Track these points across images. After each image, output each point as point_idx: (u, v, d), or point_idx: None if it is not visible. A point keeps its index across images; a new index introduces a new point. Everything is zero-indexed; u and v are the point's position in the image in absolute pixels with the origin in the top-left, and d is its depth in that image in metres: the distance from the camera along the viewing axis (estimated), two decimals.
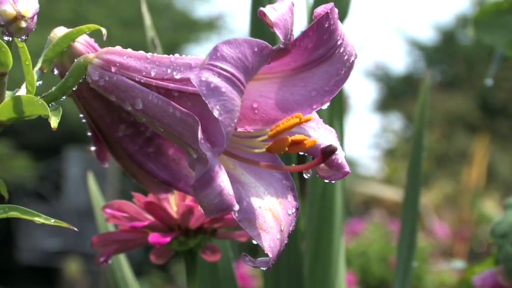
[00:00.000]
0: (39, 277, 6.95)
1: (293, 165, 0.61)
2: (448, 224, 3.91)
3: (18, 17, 0.56)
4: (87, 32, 0.60)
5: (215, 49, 0.52)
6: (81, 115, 0.66)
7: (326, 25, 0.58)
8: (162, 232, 0.74)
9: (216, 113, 0.51)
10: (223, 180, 0.52)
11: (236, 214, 0.55)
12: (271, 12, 0.55)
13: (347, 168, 0.61)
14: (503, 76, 7.71)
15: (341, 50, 0.59)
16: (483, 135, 4.13)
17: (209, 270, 0.95)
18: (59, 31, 0.61)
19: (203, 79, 0.51)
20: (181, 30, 7.86)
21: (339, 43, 0.59)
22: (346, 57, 0.60)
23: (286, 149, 0.58)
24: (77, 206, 6.48)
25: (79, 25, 0.60)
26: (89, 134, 0.67)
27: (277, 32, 0.55)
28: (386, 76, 9.87)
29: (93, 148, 0.68)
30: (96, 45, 0.63)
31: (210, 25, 8.34)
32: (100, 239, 0.74)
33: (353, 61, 0.60)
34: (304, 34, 0.58)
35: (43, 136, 7.05)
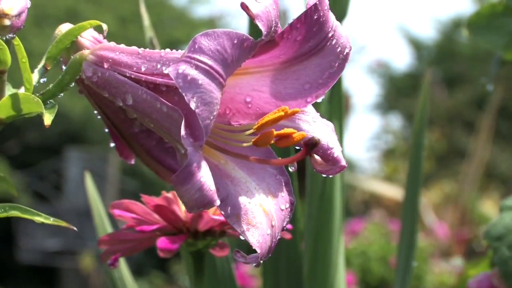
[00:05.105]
0: (39, 277, 6.95)
1: (279, 158, 0.60)
2: (448, 224, 3.91)
3: (1, 15, 0.56)
4: (90, 28, 0.60)
5: (193, 41, 0.52)
6: (95, 112, 0.65)
7: (315, 17, 0.57)
8: (171, 233, 0.73)
9: (193, 106, 0.51)
10: (203, 175, 0.52)
11: (223, 210, 0.54)
12: (253, 4, 0.54)
13: (343, 162, 0.60)
14: (504, 75, 7.70)
15: (333, 42, 0.59)
16: (483, 131, 4.12)
17: (208, 270, 0.95)
18: (64, 27, 0.61)
19: (180, 71, 0.51)
20: (181, 29, 7.85)
21: (330, 35, 0.58)
22: (339, 49, 0.59)
23: (272, 142, 0.57)
24: (77, 206, 6.48)
25: (75, 23, 0.60)
26: (106, 130, 0.66)
27: (259, 24, 0.54)
28: (387, 74, 9.87)
29: (112, 145, 0.67)
30: (104, 40, 0.62)
31: (211, 24, 8.34)
32: (109, 238, 0.74)
33: (347, 53, 0.60)
34: (291, 26, 0.57)
35: (43, 136, 7.05)
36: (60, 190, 7.04)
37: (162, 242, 0.71)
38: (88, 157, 6.75)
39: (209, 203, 0.52)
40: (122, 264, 0.97)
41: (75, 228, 0.59)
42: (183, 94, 0.51)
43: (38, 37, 6.25)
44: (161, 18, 7.67)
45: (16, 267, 6.86)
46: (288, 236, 0.75)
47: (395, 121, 9.73)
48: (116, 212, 0.73)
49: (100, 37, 0.62)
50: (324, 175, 0.61)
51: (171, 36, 7.43)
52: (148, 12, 1.00)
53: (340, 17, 0.99)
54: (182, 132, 0.52)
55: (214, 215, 0.73)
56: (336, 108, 0.99)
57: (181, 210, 0.73)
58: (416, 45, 9.82)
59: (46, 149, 7.10)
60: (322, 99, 0.61)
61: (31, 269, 6.90)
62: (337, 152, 0.60)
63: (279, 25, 0.56)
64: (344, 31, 0.60)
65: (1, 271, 6.82)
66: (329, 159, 0.60)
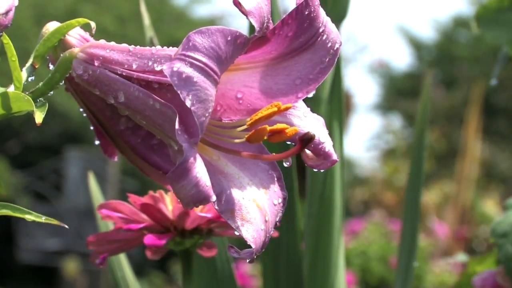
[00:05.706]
0: (39, 277, 6.95)
1: (273, 154, 0.60)
2: (448, 224, 3.91)
3: None
4: (78, 26, 0.60)
5: (187, 39, 0.52)
6: (81, 109, 0.65)
7: (306, 12, 0.57)
8: (158, 232, 0.74)
9: (188, 103, 0.51)
10: (199, 171, 0.52)
11: (217, 206, 0.54)
12: (245, 0, 0.54)
13: (334, 157, 0.60)
14: (505, 76, 7.71)
15: (323, 38, 0.59)
16: (472, 127, 4.12)
17: (208, 270, 0.95)
18: (51, 26, 0.61)
19: (175, 69, 0.51)
20: (181, 29, 7.86)
21: (321, 30, 0.59)
22: (329, 45, 0.60)
23: (265, 138, 0.58)
24: (77, 206, 6.49)
25: None
26: (91, 128, 0.66)
27: (252, 20, 0.54)
28: (388, 74, 9.87)
29: (97, 142, 0.67)
30: (91, 38, 0.62)
31: (212, 24, 8.34)
32: (96, 239, 0.74)
33: (337, 48, 0.60)
34: (283, 22, 0.57)
35: (43, 136, 7.05)
36: (60, 190, 7.04)
37: (149, 239, 0.71)
38: (88, 157, 6.75)
39: (205, 199, 0.52)
40: (124, 263, 0.97)
41: (66, 226, 0.59)
42: (178, 92, 0.51)
43: (38, 37, 6.24)
44: (162, 18, 7.68)
45: (16, 267, 6.86)
46: (275, 234, 0.75)
47: (395, 121, 9.74)
48: (103, 212, 0.73)
49: (87, 35, 0.62)
50: (315, 170, 0.61)
51: (171, 36, 7.44)
52: (148, 11, 1.00)
53: (341, 17, 0.99)
54: (177, 128, 0.52)
55: (201, 212, 0.73)
56: (336, 109, 0.99)
57: (167, 208, 0.73)
58: (416, 45, 9.82)
59: (46, 149, 7.11)
60: (313, 95, 0.62)
61: (31, 269, 6.90)
62: (328, 146, 0.60)
63: (270, 21, 0.57)
64: (334, 27, 0.60)
65: (1, 271, 6.82)
66: (321, 154, 0.60)
